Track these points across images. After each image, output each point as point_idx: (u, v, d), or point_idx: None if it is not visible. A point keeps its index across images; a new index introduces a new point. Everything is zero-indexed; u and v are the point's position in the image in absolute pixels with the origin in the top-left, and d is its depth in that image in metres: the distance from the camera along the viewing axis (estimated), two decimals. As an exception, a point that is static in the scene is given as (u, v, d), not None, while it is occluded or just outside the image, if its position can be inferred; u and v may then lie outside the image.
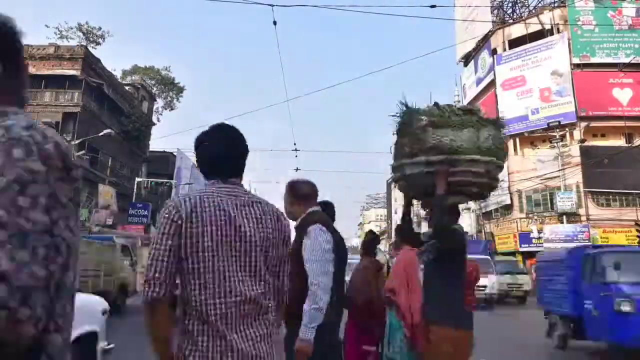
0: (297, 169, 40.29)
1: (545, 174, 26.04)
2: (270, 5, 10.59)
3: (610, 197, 26.05)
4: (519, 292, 18.53)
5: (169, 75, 43.82)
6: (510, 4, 32.67)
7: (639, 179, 24.37)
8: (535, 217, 27.07)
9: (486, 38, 31.62)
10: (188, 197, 1.51)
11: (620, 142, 26.89)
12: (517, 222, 27.86)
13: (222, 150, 1.62)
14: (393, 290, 3.83)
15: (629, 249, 10.83)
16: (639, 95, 26.48)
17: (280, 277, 1.66)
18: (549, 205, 26.76)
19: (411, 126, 3.00)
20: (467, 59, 35.10)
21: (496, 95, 29.78)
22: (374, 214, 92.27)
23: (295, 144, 24.56)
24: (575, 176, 25.68)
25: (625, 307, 6.18)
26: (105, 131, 24.15)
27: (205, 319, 1.42)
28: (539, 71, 27.93)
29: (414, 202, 3.66)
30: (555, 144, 25.99)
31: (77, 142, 24.01)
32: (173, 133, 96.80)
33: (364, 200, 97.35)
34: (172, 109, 44.80)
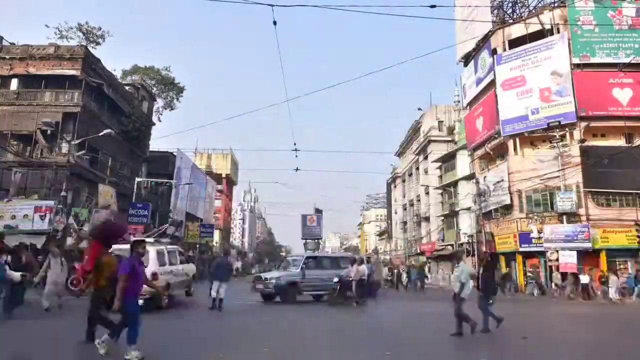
0: (297, 169, 40.57)
1: (545, 174, 26.02)
2: (270, 5, 10.60)
3: (610, 197, 26.02)
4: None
5: (169, 75, 43.84)
6: (510, 4, 32.59)
7: (639, 179, 24.37)
8: (535, 217, 27.02)
9: (486, 38, 31.57)
10: None
11: (620, 142, 26.86)
12: (517, 222, 27.83)
13: None
14: None
15: None
16: (639, 95, 26.46)
17: None
18: (549, 205, 26.73)
19: None
20: (467, 59, 35.02)
21: (496, 95, 29.72)
22: (374, 214, 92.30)
23: (295, 144, 24.59)
24: (575, 176, 25.68)
25: None
26: (105, 131, 24.16)
27: None
28: (539, 71, 27.89)
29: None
30: (555, 144, 25.96)
31: (77, 142, 24.03)
32: (173, 133, 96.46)
33: (364, 200, 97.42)
34: (172, 109, 44.81)
